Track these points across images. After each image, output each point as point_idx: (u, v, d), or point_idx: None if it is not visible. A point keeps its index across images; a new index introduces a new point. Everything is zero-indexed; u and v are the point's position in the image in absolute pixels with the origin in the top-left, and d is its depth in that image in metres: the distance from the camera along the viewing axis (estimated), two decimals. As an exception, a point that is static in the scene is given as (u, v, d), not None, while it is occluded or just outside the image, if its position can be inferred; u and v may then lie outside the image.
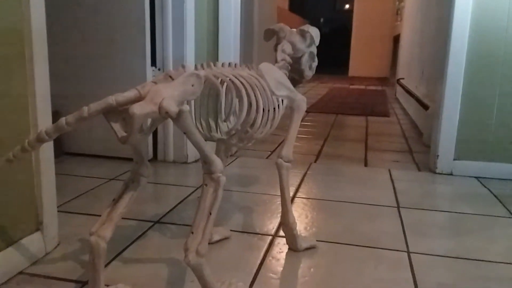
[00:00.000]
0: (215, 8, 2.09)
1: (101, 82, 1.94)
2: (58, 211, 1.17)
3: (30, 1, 0.99)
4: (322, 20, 10.59)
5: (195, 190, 1.60)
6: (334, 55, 9.13)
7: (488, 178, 1.88)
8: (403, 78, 4.73)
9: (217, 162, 0.86)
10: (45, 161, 1.06)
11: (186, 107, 0.79)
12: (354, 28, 8.71)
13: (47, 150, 1.07)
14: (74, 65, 1.97)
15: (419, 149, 2.41)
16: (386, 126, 3.16)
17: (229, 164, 1.99)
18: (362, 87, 6.42)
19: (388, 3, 8.10)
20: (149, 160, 1.95)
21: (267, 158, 2.13)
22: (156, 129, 2.00)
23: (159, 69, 1.93)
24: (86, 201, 1.46)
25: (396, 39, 6.30)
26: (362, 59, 8.67)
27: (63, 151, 2.02)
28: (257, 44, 3.45)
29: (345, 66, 8.85)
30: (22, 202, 1.03)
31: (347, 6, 10.39)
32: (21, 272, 0.99)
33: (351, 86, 6.43)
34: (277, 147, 2.35)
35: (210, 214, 0.84)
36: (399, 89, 4.84)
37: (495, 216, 1.46)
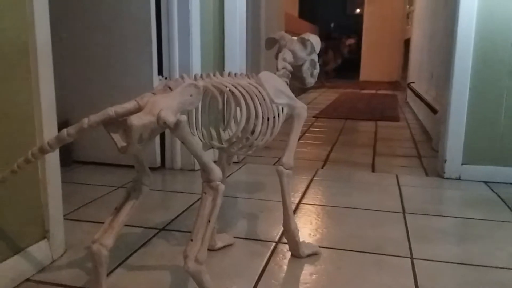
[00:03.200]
0: (220, 16, 2.12)
1: (109, 91, 1.97)
2: (66, 219, 1.20)
3: (34, 12, 1.02)
4: (332, 25, 10.58)
5: (201, 197, 1.61)
6: (345, 59, 9.10)
7: (496, 182, 1.86)
8: (413, 82, 4.70)
9: (216, 171, 0.88)
10: (51, 170, 1.09)
11: (183, 117, 0.81)
12: (365, 32, 8.67)
13: (53, 159, 1.10)
14: (83, 75, 2.01)
15: (428, 154, 2.40)
16: (395, 131, 3.15)
17: (236, 170, 2.01)
18: (373, 91, 6.39)
19: (398, 7, 8.06)
20: (157, 168, 1.99)
21: (274, 164, 2.14)
22: (164, 137, 2.03)
23: (165, 78, 1.96)
24: (94, 209, 1.49)
25: (407, 43, 6.27)
26: (373, 63, 8.63)
27: (73, 159, 2.06)
28: (264, 51, 3.46)
29: (356, 71, 8.82)
30: (29, 211, 1.06)
31: (357, 10, 10.37)
32: (27, 279, 1.02)
33: (362, 91, 6.40)
34: (284, 153, 2.35)
35: (209, 221, 0.86)
36: (409, 93, 4.82)
37: (502, 221, 1.44)
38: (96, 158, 2.05)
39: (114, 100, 2.10)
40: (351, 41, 7.07)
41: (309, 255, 1.16)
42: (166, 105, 0.81)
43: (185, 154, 2.01)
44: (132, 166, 0.95)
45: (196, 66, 1.95)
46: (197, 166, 2.01)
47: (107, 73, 1.97)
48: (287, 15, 4.71)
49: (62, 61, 1.96)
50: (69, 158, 2.03)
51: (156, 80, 1.93)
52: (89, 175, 1.90)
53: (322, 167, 2.10)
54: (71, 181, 1.80)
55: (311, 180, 1.87)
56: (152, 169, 1.96)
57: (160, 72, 1.96)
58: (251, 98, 1.00)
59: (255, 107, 1.00)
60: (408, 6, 6.77)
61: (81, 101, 2.02)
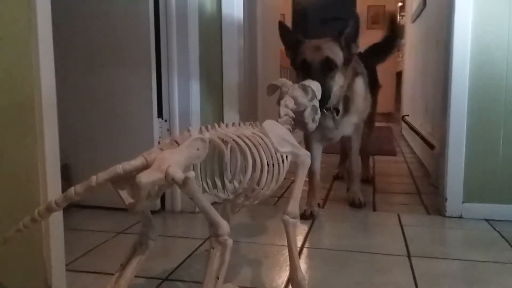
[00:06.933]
0: (219, 58, 2.15)
1: (109, 134, 1.96)
2: (66, 270, 1.17)
3: (40, 69, 1.03)
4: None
5: (203, 242, 1.59)
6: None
7: (497, 220, 1.85)
8: (407, 115, 4.75)
9: (223, 225, 0.87)
10: (54, 224, 1.08)
11: (191, 174, 0.81)
12: (357, 65, 8.81)
13: (57, 213, 1.08)
14: (82, 118, 2.01)
15: (427, 190, 2.40)
16: (393, 166, 3.16)
17: (236, 212, 1.99)
18: (368, 123, 6.42)
19: (389, 40, 8.23)
20: (157, 211, 1.97)
21: (274, 204, 2.12)
22: (164, 179, 2.01)
23: (165, 121, 1.97)
24: (94, 258, 1.46)
25: (399, 75, 6.38)
26: (366, 95, 8.73)
27: (72, 203, 2.03)
28: (261, 90, 3.50)
29: (350, 103, 8.90)
30: (31, 265, 1.04)
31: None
32: None
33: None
34: (284, 191, 2.33)
35: (218, 278, 0.84)
36: (404, 125, 4.86)
37: (506, 263, 1.43)
38: (95, 201, 2.03)
39: (114, 143, 2.09)
40: None
41: (316, 305, 1.14)
42: (174, 161, 0.81)
43: (185, 196, 1.99)
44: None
45: (195, 109, 1.97)
46: (197, 209, 1.99)
47: (107, 116, 1.97)
48: (281, 51, 4.79)
49: (61, 105, 1.96)
50: (68, 202, 2.00)
51: (156, 122, 1.94)
52: (87, 220, 1.87)
53: (323, 207, 2.09)
54: (69, 227, 1.76)
55: (313, 221, 1.86)
56: (152, 212, 1.93)
57: (160, 114, 1.97)
58: (256, 148, 1.00)
59: (260, 157, 1.00)
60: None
61: (81, 144, 2.01)
